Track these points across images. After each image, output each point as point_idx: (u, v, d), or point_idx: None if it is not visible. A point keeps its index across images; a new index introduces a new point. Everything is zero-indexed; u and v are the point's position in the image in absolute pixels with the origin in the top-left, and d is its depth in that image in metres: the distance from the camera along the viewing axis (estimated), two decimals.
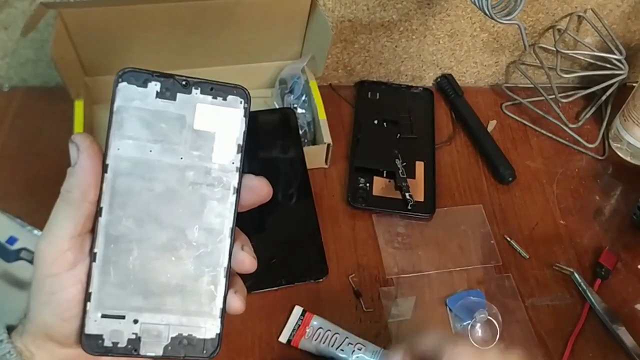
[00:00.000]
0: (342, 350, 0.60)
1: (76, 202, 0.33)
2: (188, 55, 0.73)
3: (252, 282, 0.63)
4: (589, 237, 0.72)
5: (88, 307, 0.33)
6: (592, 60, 0.82)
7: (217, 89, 0.34)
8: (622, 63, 0.78)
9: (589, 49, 0.82)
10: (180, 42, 0.71)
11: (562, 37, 0.79)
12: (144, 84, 0.33)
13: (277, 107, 0.77)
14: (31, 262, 0.60)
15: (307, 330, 0.61)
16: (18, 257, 0.60)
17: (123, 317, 0.34)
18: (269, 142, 0.70)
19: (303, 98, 0.76)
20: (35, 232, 0.61)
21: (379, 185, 0.73)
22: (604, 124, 0.83)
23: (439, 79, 0.85)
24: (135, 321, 0.34)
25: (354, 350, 0.60)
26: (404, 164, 0.74)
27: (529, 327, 0.64)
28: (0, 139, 0.73)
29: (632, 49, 0.84)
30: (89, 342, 0.33)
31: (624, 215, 0.74)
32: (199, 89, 0.34)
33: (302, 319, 0.61)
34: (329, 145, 0.71)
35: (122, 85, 0.33)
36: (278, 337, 0.61)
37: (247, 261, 0.35)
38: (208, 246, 0.35)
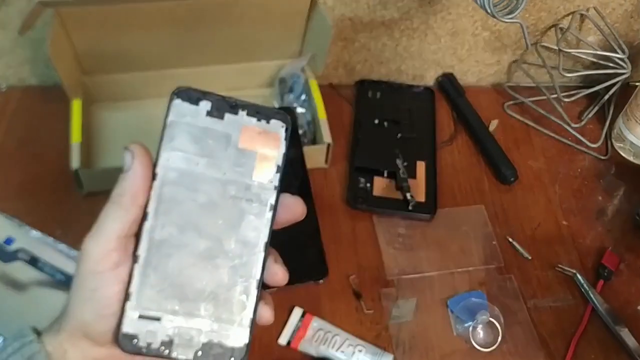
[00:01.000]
0: (342, 352, 0.59)
1: (126, 205, 0.35)
2: (187, 54, 0.73)
3: None
4: (592, 238, 0.72)
5: (127, 307, 0.35)
6: (594, 59, 0.82)
7: (262, 112, 0.37)
8: (624, 62, 0.77)
9: (591, 47, 0.81)
10: (179, 41, 0.71)
11: (564, 36, 0.79)
12: (196, 102, 0.36)
13: (277, 106, 0.76)
14: (28, 262, 0.59)
15: (307, 332, 0.60)
16: (15, 258, 0.59)
17: (159, 319, 0.35)
18: None
19: (303, 97, 0.76)
20: (33, 232, 0.61)
21: (380, 186, 0.72)
22: (607, 123, 0.82)
23: (440, 78, 0.85)
24: (170, 324, 0.35)
25: (354, 352, 0.59)
26: (405, 163, 0.73)
27: (531, 328, 0.64)
28: None
29: (635, 48, 0.83)
30: (124, 340, 0.35)
31: (627, 216, 0.74)
32: (246, 110, 0.37)
33: (302, 321, 0.61)
34: (329, 145, 0.71)
35: (177, 102, 0.36)
36: (277, 339, 0.60)
37: (280, 274, 0.38)
38: (243, 257, 0.37)
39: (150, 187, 0.35)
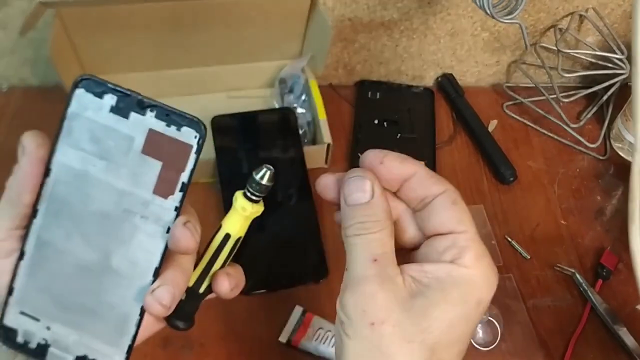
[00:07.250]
0: None
1: (12, 200, 0.34)
2: (188, 55, 0.73)
3: (252, 283, 0.63)
4: (591, 238, 0.72)
5: (9, 300, 0.34)
6: (593, 60, 0.82)
7: (173, 117, 0.32)
8: (623, 62, 0.78)
9: (590, 48, 0.81)
10: (179, 41, 0.71)
11: (563, 37, 0.79)
12: (100, 95, 0.33)
13: (277, 106, 0.76)
14: None
15: (307, 331, 0.60)
16: None
17: (38, 320, 0.34)
18: (269, 142, 0.70)
19: (303, 98, 0.76)
20: None
21: None
22: (606, 123, 0.82)
23: (439, 79, 0.85)
24: (48, 328, 0.34)
25: None
26: None
27: (530, 328, 0.64)
28: None
29: None
30: (4, 332, 0.34)
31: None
32: (154, 112, 0.32)
33: (302, 319, 0.61)
34: (329, 145, 0.71)
35: (79, 91, 0.33)
36: (278, 338, 0.60)
37: (184, 239, 0.32)
38: (129, 279, 0.34)
39: (42, 183, 0.33)
